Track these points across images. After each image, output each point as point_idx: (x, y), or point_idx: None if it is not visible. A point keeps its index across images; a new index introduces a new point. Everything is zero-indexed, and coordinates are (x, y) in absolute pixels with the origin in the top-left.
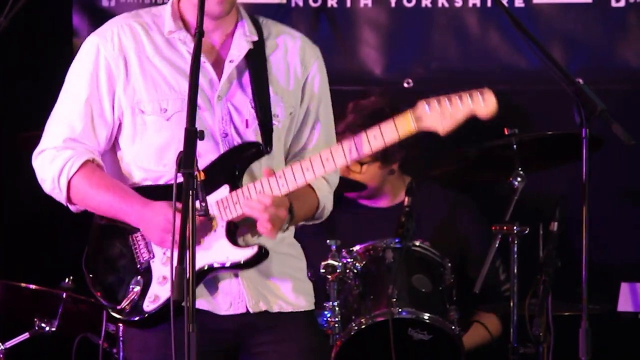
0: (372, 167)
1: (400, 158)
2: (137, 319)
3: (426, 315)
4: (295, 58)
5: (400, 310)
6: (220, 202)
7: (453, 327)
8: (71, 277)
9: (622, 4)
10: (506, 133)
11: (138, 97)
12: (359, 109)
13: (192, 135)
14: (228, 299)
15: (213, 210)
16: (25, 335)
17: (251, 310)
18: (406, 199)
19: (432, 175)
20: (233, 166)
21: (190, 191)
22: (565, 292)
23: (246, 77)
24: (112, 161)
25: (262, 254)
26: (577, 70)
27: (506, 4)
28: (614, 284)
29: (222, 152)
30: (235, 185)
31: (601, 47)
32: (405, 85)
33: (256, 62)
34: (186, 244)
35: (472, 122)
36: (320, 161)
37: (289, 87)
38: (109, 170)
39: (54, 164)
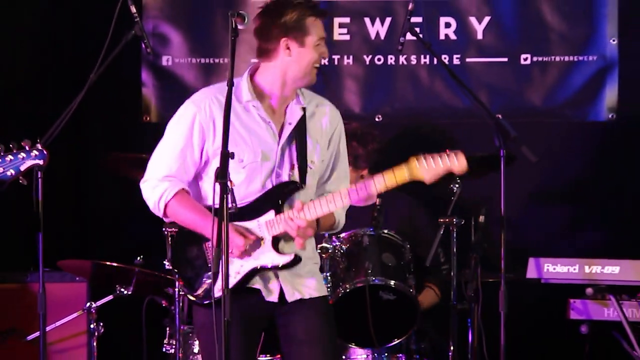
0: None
1: (366, 167)
2: (208, 302)
3: (392, 282)
4: (326, 120)
5: (373, 278)
6: (269, 222)
7: (411, 290)
8: (141, 256)
9: (528, 62)
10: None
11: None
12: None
13: (226, 156)
14: (271, 286)
15: (262, 229)
16: (110, 297)
17: (289, 300)
18: (377, 200)
19: None
20: (278, 197)
21: (225, 195)
22: (489, 265)
23: (295, 135)
24: (195, 187)
25: (296, 260)
26: (497, 109)
27: (447, 62)
28: (524, 259)
29: (272, 186)
30: (279, 210)
31: (514, 92)
32: (377, 119)
33: (302, 124)
34: (222, 235)
35: (423, 144)
36: (340, 197)
37: (322, 141)
38: (193, 192)
39: (155, 191)
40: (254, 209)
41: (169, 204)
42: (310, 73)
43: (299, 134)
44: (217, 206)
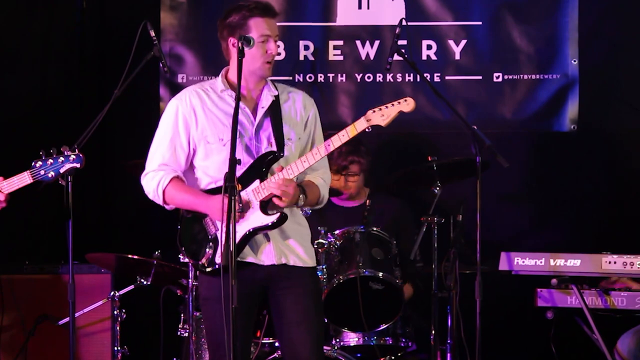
0: (358, 178)
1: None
2: (211, 269)
3: (380, 274)
4: (299, 105)
5: (364, 270)
6: (255, 189)
7: (397, 281)
8: (159, 250)
9: (500, 80)
10: (429, 160)
11: (205, 133)
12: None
13: (234, 162)
14: (263, 256)
15: (250, 196)
16: (131, 287)
17: (276, 263)
18: (368, 201)
19: (384, 186)
20: (261, 167)
21: (233, 197)
22: (466, 258)
23: (270, 116)
24: (190, 176)
25: (283, 217)
26: (473, 120)
27: (429, 79)
28: (496, 253)
29: (254, 160)
30: (263, 179)
31: (488, 106)
32: (367, 130)
33: (276, 107)
34: (230, 232)
35: (408, 152)
36: (312, 155)
37: (297, 122)
38: (188, 181)
39: (153, 180)
40: (242, 182)
41: (166, 190)
42: (262, 67)
43: (273, 114)
44: (224, 183)
